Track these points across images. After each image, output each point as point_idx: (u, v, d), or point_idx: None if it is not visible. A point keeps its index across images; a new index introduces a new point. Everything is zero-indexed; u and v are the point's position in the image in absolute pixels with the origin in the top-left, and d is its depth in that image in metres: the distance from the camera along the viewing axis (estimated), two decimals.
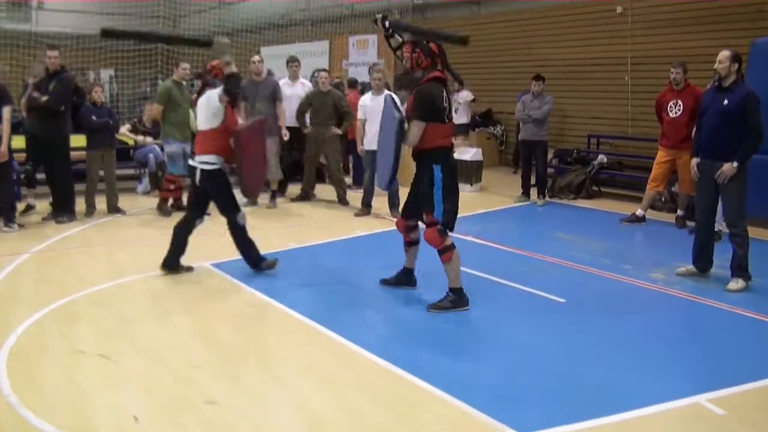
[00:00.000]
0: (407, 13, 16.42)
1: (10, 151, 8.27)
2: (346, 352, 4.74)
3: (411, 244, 6.01)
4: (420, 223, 5.77)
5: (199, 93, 6.45)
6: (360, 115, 9.35)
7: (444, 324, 5.33)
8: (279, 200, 10.22)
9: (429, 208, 5.51)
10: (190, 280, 6.37)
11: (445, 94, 5.52)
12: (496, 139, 15.10)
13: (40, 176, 9.49)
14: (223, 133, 6.24)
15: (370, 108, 9.10)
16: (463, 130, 14.19)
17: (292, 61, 11.05)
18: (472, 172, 11.70)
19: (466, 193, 11.35)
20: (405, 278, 6.15)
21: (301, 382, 4.27)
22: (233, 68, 6.08)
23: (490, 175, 12.91)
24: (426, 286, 6.04)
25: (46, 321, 5.23)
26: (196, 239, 7.88)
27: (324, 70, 10.78)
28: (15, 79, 17.43)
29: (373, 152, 9.05)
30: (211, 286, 6.18)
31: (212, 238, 8.11)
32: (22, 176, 9.82)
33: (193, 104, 6.67)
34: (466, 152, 11.73)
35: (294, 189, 10.70)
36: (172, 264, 6.45)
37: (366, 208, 9.41)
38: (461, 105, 14.28)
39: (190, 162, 6.39)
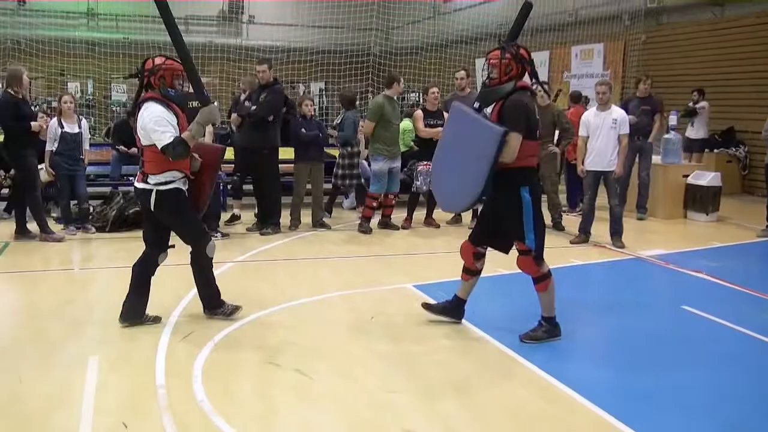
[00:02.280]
0: (639, 19, 15.85)
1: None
2: (554, 391, 4.54)
3: (474, 273, 5.70)
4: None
5: (137, 98, 5.50)
6: (582, 131, 9.09)
7: (665, 371, 4.94)
8: None
9: (519, 236, 5.24)
10: (391, 300, 6.43)
11: (534, 107, 5.26)
12: (739, 162, 14.13)
13: (247, 187, 10.15)
14: None
15: (594, 124, 8.86)
16: (699, 147, 13.44)
17: None
18: (709, 199, 10.98)
19: (700, 222, 10.77)
20: (454, 308, 5.81)
21: (501, 420, 4.14)
22: (194, 138, 5.29)
23: (731, 203, 12.08)
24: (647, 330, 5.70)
25: (244, 331, 5.50)
26: (399, 259, 8.02)
27: (543, 82, 10.60)
28: (225, 92, 18.84)
29: (595, 173, 8.83)
30: (412, 309, 6.17)
31: (417, 259, 8.23)
32: (229, 186, 10.56)
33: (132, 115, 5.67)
34: (701, 176, 11.05)
35: None
36: (135, 313, 5.56)
37: (584, 234, 9.09)
38: (698, 116, 13.54)
39: (138, 185, 5.49)
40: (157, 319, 5.65)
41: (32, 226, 8.82)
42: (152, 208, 5.41)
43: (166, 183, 5.36)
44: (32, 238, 8.70)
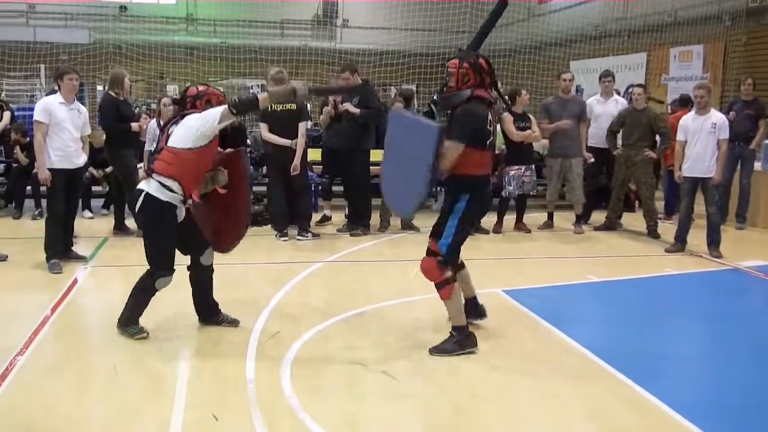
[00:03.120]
0: (740, 19, 15.32)
1: (307, 163, 9.05)
2: (648, 407, 4.39)
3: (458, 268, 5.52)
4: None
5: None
6: (680, 136, 8.85)
7: (760, 388, 4.74)
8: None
9: (438, 234, 5.20)
10: None
11: (489, 117, 5.08)
12: None
13: (337, 188, 10.30)
14: (200, 157, 5.14)
15: (692, 129, 8.63)
16: None
17: (606, 76, 10.81)
18: None
19: None
20: (471, 311, 5.66)
21: (588, 430, 4.07)
22: (266, 102, 5.04)
23: None
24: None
25: (332, 330, 5.58)
26: (489, 264, 7.96)
27: (639, 85, 10.41)
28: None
29: (692, 179, 8.59)
30: (500, 315, 6.11)
31: (507, 264, 8.19)
32: (320, 188, 10.74)
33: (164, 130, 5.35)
34: None
35: (598, 216, 10.43)
36: (208, 314, 5.67)
37: (680, 243, 8.83)
38: None
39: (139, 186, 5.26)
40: (234, 322, 5.63)
41: (130, 223, 9.14)
42: (135, 209, 5.18)
43: (162, 188, 5.06)
44: (130, 234, 9.02)
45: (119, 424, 3.98)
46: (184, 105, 5.33)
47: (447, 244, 5.13)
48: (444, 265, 5.15)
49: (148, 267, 5.24)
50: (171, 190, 5.07)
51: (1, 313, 6.16)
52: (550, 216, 10.18)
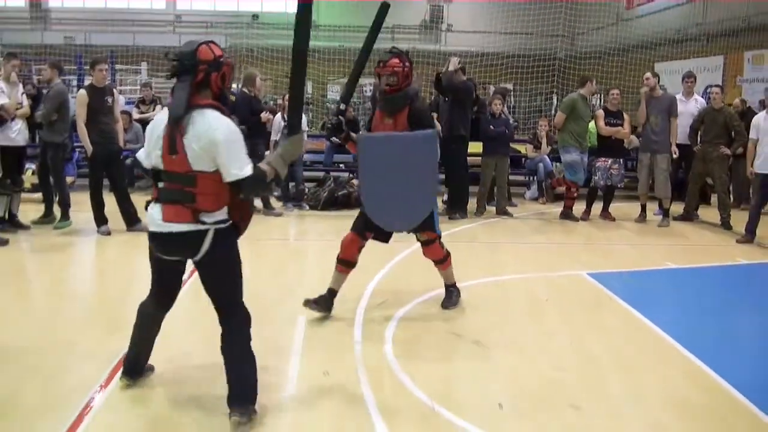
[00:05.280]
0: None
1: None
2: (714, 386, 4.20)
3: (353, 265, 5.20)
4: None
5: (189, 101, 3.40)
6: (752, 134, 8.51)
7: None
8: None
9: (429, 226, 5.18)
10: (566, 286, 6.28)
11: None
12: None
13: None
14: None
15: (763, 128, 8.28)
16: None
17: (689, 77, 10.45)
18: None
19: None
20: (325, 300, 5.16)
21: (661, 407, 3.90)
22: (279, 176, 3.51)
23: None
24: None
25: (431, 303, 5.59)
26: (576, 248, 7.86)
27: (717, 86, 10.05)
28: (424, 93, 19.19)
29: (763, 176, 8.21)
30: (585, 296, 6.01)
31: (593, 249, 8.03)
32: None
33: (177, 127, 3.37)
34: None
35: (676, 208, 10.08)
36: (133, 368, 3.93)
37: (750, 235, 8.41)
38: None
39: (181, 226, 3.40)
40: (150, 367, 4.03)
41: (256, 202, 9.41)
42: (201, 257, 3.48)
43: (223, 222, 3.48)
44: (256, 212, 9.26)
45: None
46: (195, 73, 3.42)
47: (438, 229, 5.40)
48: (442, 243, 5.38)
49: (229, 318, 3.65)
50: (226, 220, 3.51)
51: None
52: (643, 208, 9.78)
